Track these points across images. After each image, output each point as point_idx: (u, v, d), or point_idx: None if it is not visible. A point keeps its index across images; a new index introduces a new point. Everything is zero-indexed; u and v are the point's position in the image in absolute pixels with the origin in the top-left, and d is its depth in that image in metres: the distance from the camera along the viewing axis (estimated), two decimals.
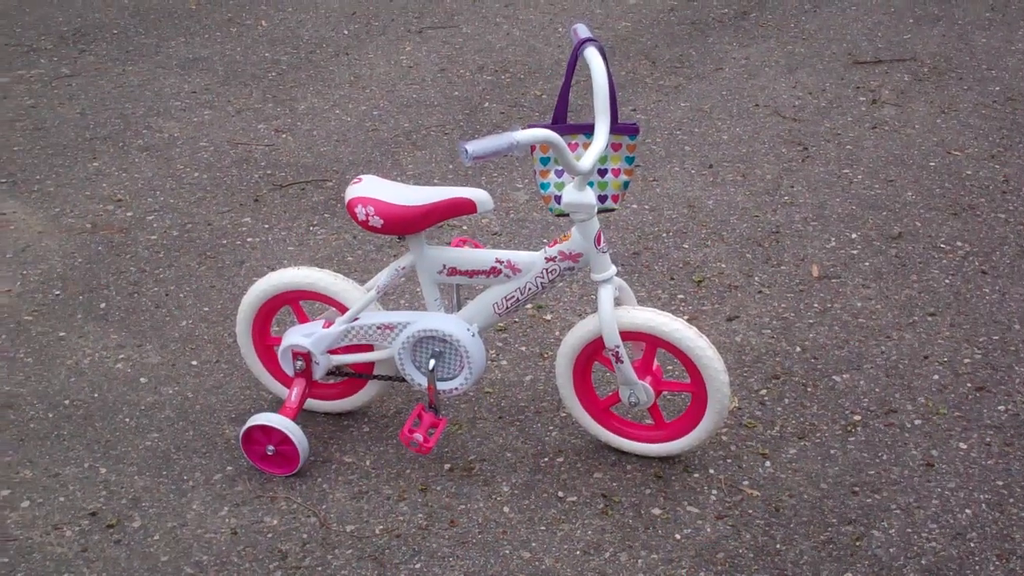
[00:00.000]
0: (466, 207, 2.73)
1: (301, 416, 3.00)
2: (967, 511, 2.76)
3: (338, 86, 5.16)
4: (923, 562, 2.62)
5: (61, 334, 3.51)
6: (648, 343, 2.82)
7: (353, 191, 2.77)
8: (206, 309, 3.62)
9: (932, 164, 4.38)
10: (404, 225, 2.75)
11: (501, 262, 2.79)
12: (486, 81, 5.18)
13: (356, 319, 2.90)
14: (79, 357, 3.40)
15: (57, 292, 3.71)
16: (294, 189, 4.32)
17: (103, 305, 3.65)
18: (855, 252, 3.82)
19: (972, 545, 2.67)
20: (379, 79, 5.22)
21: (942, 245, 3.85)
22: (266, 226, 4.07)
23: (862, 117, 4.75)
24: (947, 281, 3.67)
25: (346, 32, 5.74)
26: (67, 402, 3.22)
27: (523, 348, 3.40)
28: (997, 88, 5.00)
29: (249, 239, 3.99)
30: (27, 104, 5.04)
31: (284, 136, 4.73)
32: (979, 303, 3.56)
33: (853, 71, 5.17)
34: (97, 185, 4.36)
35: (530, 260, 2.78)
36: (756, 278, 3.70)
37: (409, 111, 4.92)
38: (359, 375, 3.03)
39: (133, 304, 3.65)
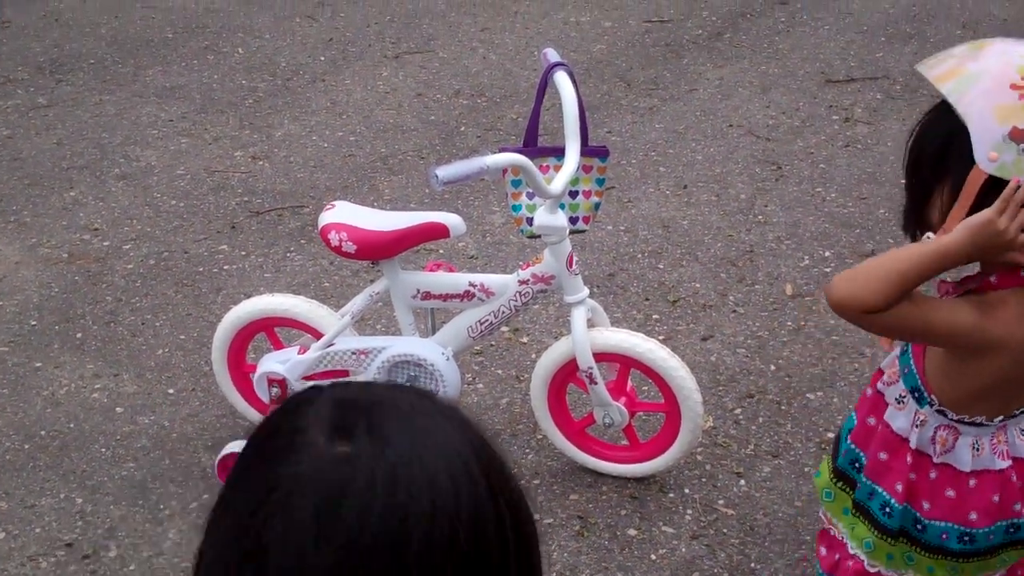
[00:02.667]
0: (439, 231, 2.75)
1: None
2: None
3: (315, 112, 5.18)
4: None
5: (37, 365, 3.51)
6: (621, 364, 2.84)
7: (326, 217, 2.79)
8: (182, 337, 3.62)
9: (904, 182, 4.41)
10: (377, 250, 2.76)
11: (474, 285, 2.80)
12: (462, 105, 5.21)
13: (331, 345, 2.91)
14: (55, 387, 3.40)
15: (33, 323, 3.71)
16: (271, 215, 4.33)
17: (79, 335, 3.65)
18: (828, 270, 3.85)
19: None
20: (356, 104, 5.25)
21: None
22: (243, 253, 4.08)
23: (835, 136, 4.79)
24: None
25: (323, 58, 5.77)
26: (43, 433, 3.22)
27: (499, 371, 3.41)
28: None
29: (226, 266, 4.00)
30: (3, 135, 5.05)
31: (261, 163, 4.74)
32: None
33: (826, 90, 5.21)
34: (74, 215, 4.37)
35: (503, 283, 2.80)
36: (730, 297, 3.73)
37: (386, 136, 4.94)
38: None
39: (109, 333, 3.65)
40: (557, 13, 6.21)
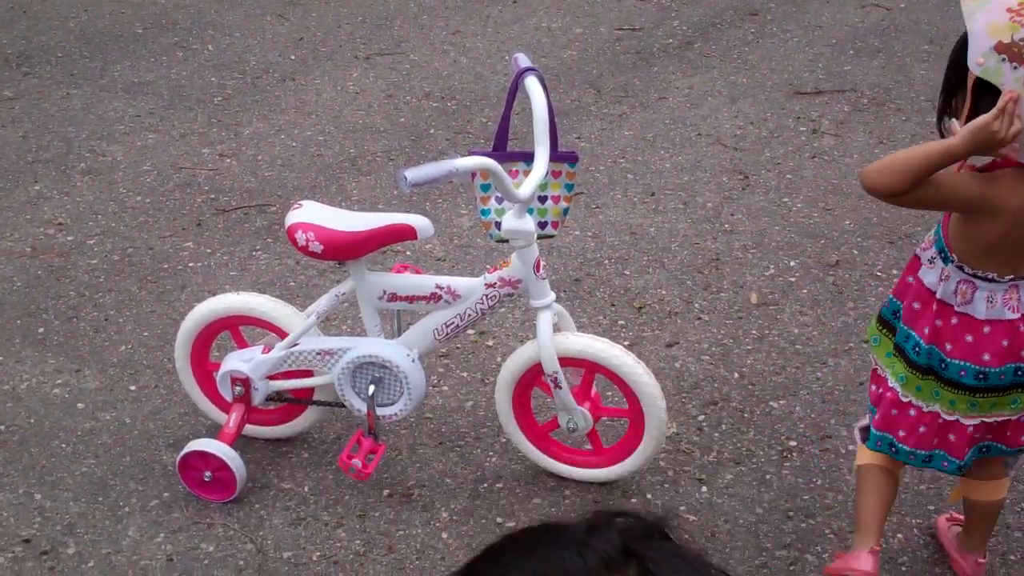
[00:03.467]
0: (406, 233, 2.75)
1: (239, 442, 2.99)
2: (899, 536, 2.80)
3: (284, 111, 5.17)
4: None
5: None
6: (586, 369, 2.85)
7: (293, 216, 2.78)
8: (146, 334, 3.60)
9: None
10: (344, 251, 2.76)
11: (441, 288, 2.80)
12: (432, 108, 5.21)
13: (296, 345, 2.90)
14: (16, 382, 3.37)
15: None
16: (237, 214, 4.31)
17: (41, 330, 3.62)
18: (793, 279, 3.88)
19: (904, 569, 2.71)
20: (325, 104, 5.23)
21: (878, 273, 3.91)
22: (208, 251, 4.06)
23: (802, 147, 4.82)
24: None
25: (293, 58, 5.75)
26: (2, 427, 3.19)
27: (464, 374, 3.41)
28: (934, 119, 5.08)
29: (191, 264, 3.98)
30: None
31: (228, 160, 4.72)
32: None
33: (794, 101, 5.25)
34: (38, 208, 4.33)
35: (470, 286, 2.80)
36: (696, 305, 3.74)
37: (355, 136, 4.93)
38: (298, 401, 3.03)
39: (72, 329, 3.62)
40: (529, 18, 6.22)
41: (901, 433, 2.42)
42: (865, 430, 2.54)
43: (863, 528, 2.55)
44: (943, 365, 2.32)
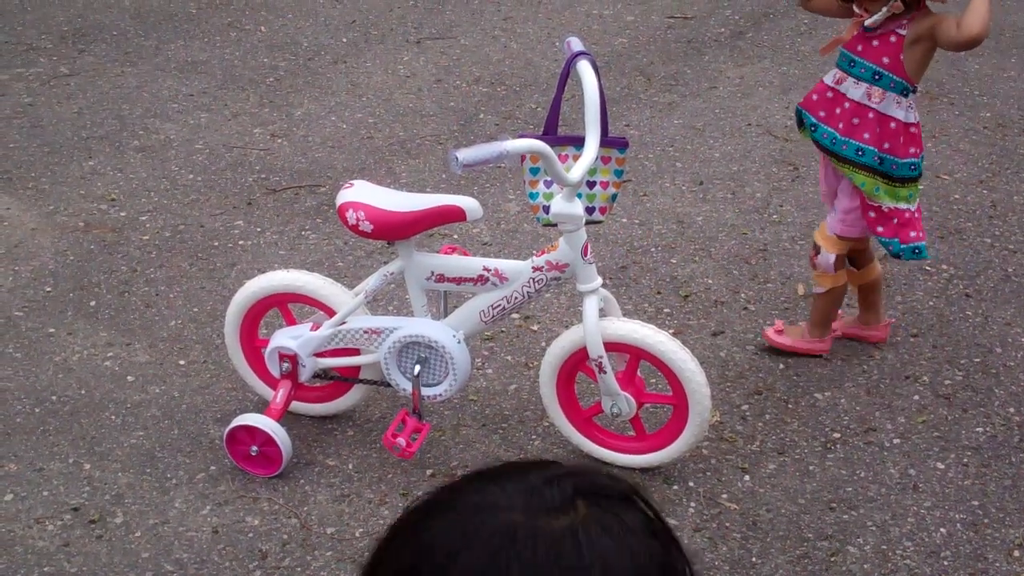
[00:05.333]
0: (455, 215, 2.77)
1: (286, 418, 3.02)
2: (942, 530, 2.79)
3: (335, 93, 5.20)
4: None
5: (50, 330, 3.53)
6: (631, 355, 2.85)
7: (344, 195, 2.81)
8: (195, 310, 3.64)
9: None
10: (394, 231, 2.78)
11: (488, 270, 2.82)
12: (482, 93, 5.22)
13: (343, 323, 2.93)
14: (67, 354, 3.43)
15: (48, 289, 3.74)
16: (287, 194, 4.35)
17: (93, 303, 3.67)
18: None
19: (946, 563, 2.70)
20: (376, 87, 5.26)
21: (927, 267, 3.89)
22: (258, 229, 4.10)
23: None
24: (931, 303, 3.70)
25: (345, 40, 5.78)
26: (54, 398, 3.25)
27: (509, 357, 3.43)
28: (988, 114, 5.04)
29: (241, 242, 4.02)
30: (25, 102, 5.07)
31: (279, 141, 4.76)
32: (962, 325, 3.59)
33: None
34: (92, 184, 4.39)
35: (517, 269, 2.81)
36: (742, 295, 3.74)
37: (404, 120, 4.95)
38: (345, 379, 3.06)
39: (123, 303, 3.67)
40: (580, 5, 6.21)
41: (922, 235, 3.15)
42: (842, 259, 3.22)
43: (827, 325, 3.35)
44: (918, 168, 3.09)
